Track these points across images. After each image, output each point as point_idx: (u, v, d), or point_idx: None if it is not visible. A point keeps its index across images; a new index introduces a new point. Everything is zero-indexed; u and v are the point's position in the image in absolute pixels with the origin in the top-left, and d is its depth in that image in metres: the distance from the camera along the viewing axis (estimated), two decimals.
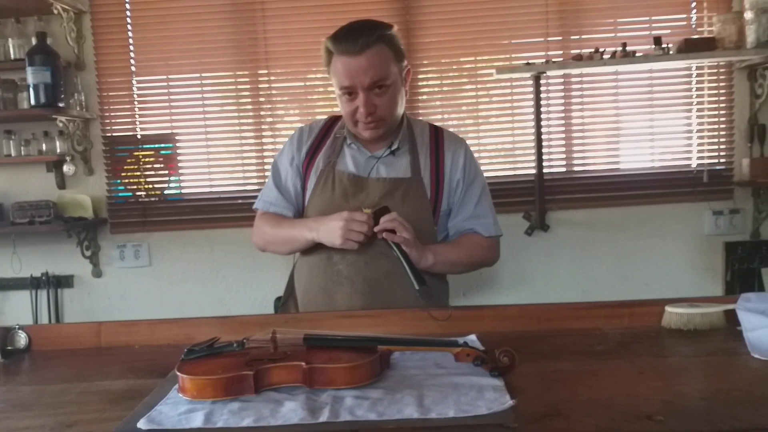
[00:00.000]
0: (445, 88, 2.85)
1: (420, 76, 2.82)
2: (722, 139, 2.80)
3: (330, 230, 1.46)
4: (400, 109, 1.59)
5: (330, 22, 2.63)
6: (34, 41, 2.68)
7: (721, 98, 2.78)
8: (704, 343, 1.13)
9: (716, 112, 2.79)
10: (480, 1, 2.77)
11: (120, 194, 2.94)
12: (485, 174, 1.72)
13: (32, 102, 2.64)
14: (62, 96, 2.69)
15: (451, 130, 1.74)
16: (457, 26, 2.79)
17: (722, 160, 2.81)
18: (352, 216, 1.44)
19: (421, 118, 2.69)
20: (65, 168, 2.84)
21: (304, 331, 1.06)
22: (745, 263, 2.78)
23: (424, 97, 2.85)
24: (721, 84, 2.78)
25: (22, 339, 1.29)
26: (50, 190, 2.89)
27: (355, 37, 1.45)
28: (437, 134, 1.66)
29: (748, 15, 2.51)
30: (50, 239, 2.91)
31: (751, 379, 0.94)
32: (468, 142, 1.72)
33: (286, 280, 1.77)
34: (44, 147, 2.84)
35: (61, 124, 2.72)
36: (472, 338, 1.16)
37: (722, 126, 2.79)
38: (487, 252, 1.67)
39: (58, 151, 2.83)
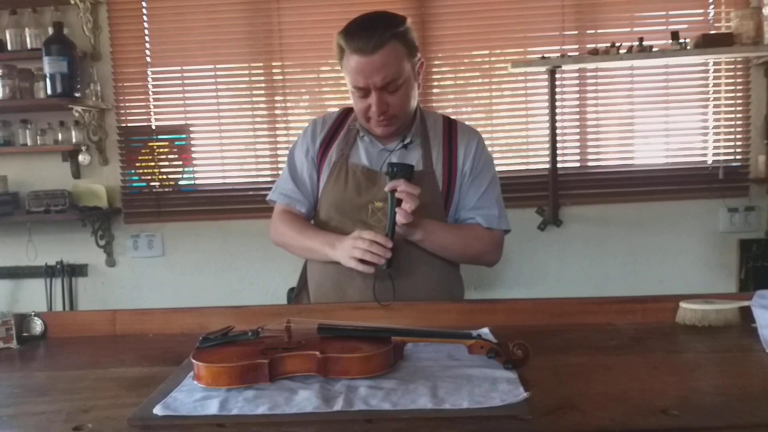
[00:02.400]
0: (459, 82, 2.84)
1: (434, 69, 2.81)
2: (738, 136, 2.78)
3: (342, 248, 1.45)
4: (413, 105, 1.57)
5: (344, 14, 2.59)
6: (50, 31, 2.70)
7: (738, 94, 2.75)
8: (719, 340, 1.12)
9: (733, 109, 2.76)
10: None
11: (134, 184, 2.96)
12: (498, 168, 1.70)
13: (48, 92, 2.66)
14: (78, 86, 2.71)
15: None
16: (471, 19, 2.78)
17: (738, 157, 2.79)
18: (361, 233, 1.42)
19: (440, 113, 2.69)
20: (80, 158, 2.86)
21: (318, 321, 1.06)
22: (760, 261, 2.75)
23: (437, 90, 2.84)
24: (738, 80, 2.75)
25: (37, 326, 1.30)
26: (65, 179, 2.92)
27: (368, 34, 1.42)
28: (450, 126, 1.65)
29: (767, 11, 2.48)
30: (65, 228, 2.93)
31: (766, 376, 0.94)
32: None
33: (299, 271, 1.77)
34: (60, 137, 2.86)
35: (77, 114, 2.75)
36: (485, 331, 1.16)
37: (738, 122, 2.76)
38: (487, 245, 1.60)
39: (74, 140, 2.86)
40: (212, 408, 0.85)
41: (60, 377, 1.06)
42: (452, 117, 1.72)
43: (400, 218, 1.38)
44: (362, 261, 1.39)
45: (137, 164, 2.95)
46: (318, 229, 1.59)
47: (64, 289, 2.96)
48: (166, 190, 2.95)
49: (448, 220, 1.61)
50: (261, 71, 2.89)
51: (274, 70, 2.88)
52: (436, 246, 1.54)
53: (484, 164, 1.62)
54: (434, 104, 2.82)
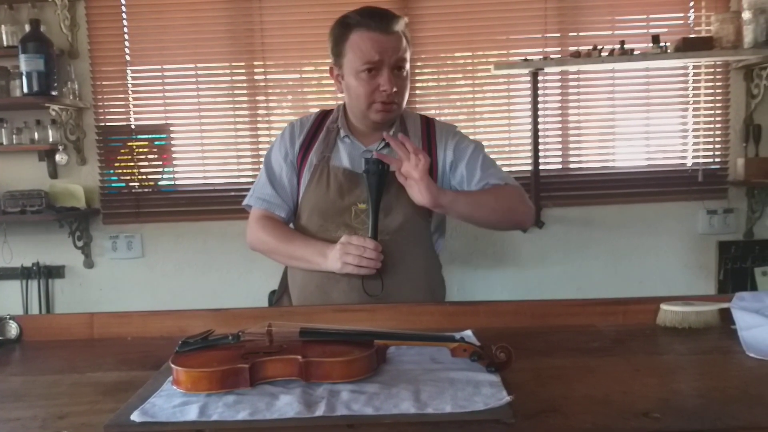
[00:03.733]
0: (442, 83, 2.84)
1: (417, 71, 2.81)
2: (717, 139, 2.82)
3: (333, 256, 1.47)
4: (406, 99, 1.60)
5: (327, 14, 2.59)
6: (27, 28, 2.66)
7: (718, 98, 2.80)
8: (699, 342, 1.13)
9: (712, 112, 2.80)
10: None
11: (113, 184, 2.92)
12: None
13: (25, 90, 2.62)
14: (55, 84, 2.67)
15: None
16: (455, 21, 2.79)
17: (717, 160, 2.83)
18: (349, 239, 1.44)
19: (417, 113, 2.70)
20: (58, 157, 2.82)
21: (300, 324, 1.05)
22: (738, 262, 2.80)
23: (420, 91, 2.84)
24: (718, 83, 2.79)
25: (13, 329, 1.27)
26: (42, 179, 2.87)
27: (386, 17, 1.49)
28: (429, 125, 1.66)
29: (746, 15, 2.52)
30: (42, 229, 2.88)
31: (746, 378, 0.95)
32: None
33: (280, 274, 1.76)
34: (36, 136, 2.81)
35: (53, 113, 2.70)
36: (467, 334, 1.16)
37: (718, 125, 2.81)
38: (514, 198, 1.56)
39: (51, 140, 2.81)
40: (191, 414, 0.84)
41: (35, 382, 1.03)
42: (433, 117, 1.72)
43: (415, 174, 1.38)
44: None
45: (116, 164, 2.91)
46: (305, 237, 1.57)
47: (41, 291, 2.91)
48: (146, 190, 2.91)
49: (431, 218, 1.61)
50: (242, 71, 2.87)
51: (256, 70, 2.86)
52: (469, 206, 1.50)
53: (467, 145, 1.62)
54: (417, 105, 2.82)
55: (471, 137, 1.70)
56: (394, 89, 1.49)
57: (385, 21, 1.48)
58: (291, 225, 1.66)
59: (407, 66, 1.53)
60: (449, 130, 1.66)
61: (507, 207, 1.55)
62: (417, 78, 2.82)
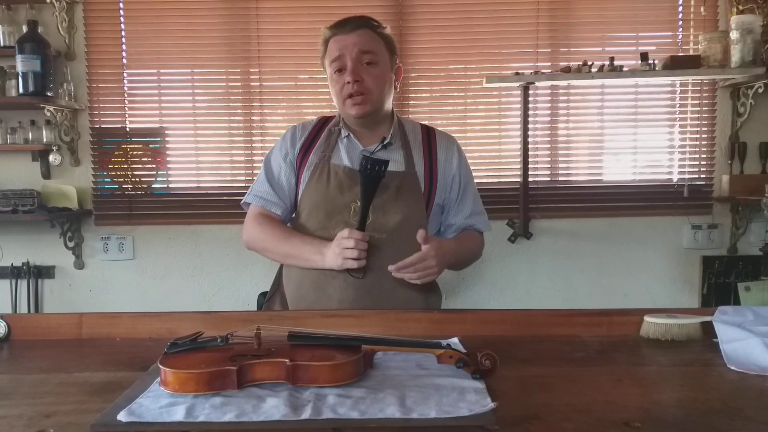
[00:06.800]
0: (435, 95, 2.87)
1: (410, 82, 2.84)
2: (703, 155, 2.85)
3: (331, 254, 1.49)
4: (388, 95, 1.63)
5: (323, 23, 2.62)
6: (25, 29, 2.66)
7: (704, 115, 2.84)
8: (681, 354, 1.14)
9: (698, 129, 2.84)
10: (472, 11, 2.80)
11: (106, 186, 2.91)
12: None
13: (20, 90, 2.62)
14: (51, 85, 2.67)
15: None
16: (448, 34, 2.82)
17: (702, 176, 2.86)
18: (341, 234, 1.47)
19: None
20: (51, 158, 2.81)
21: (289, 328, 1.06)
22: (722, 277, 2.83)
23: (413, 102, 2.87)
24: (705, 101, 2.83)
25: (1, 328, 1.27)
26: (35, 179, 2.87)
27: (347, 21, 1.59)
28: (429, 132, 1.70)
29: (734, 35, 2.56)
30: (33, 229, 2.88)
31: (726, 390, 0.96)
32: None
33: (270, 278, 1.77)
34: (30, 136, 2.81)
35: (48, 114, 2.70)
36: (454, 341, 1.17)
37: (704, 142, 2.84)
38: (480, 248, 1.76)
39: (45, 140, 2.81)
40: (178, 415, 0.84)
41: (23, 381, 1.03)
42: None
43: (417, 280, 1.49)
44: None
45: (110, 166, 2.90)
46: (302, 235, 1.59)
47: (30, 291, 2.89)
48: (139, 192, 2.91)
49: (428, 220, 1.63)
50: (238, 77, 2.88)
51: (252, 77, 2.87)
52: (450, 266, 1.65)
53: (469, 171, 1.72)
54: (410, 116, 2.84)
55: (463, 148, 1.76)
56: (356, 80, 1.54)
57: (345, 23, 1.58)
58: (288, 224, 1.68)
59: (377, 58, 1.57)
60: (451, 140, 1.72)
61: (471, 259, 1.77)
62: (410, 89, 2.85)
